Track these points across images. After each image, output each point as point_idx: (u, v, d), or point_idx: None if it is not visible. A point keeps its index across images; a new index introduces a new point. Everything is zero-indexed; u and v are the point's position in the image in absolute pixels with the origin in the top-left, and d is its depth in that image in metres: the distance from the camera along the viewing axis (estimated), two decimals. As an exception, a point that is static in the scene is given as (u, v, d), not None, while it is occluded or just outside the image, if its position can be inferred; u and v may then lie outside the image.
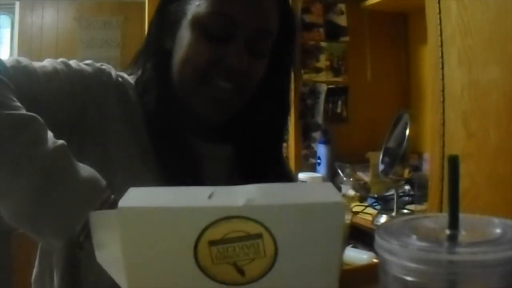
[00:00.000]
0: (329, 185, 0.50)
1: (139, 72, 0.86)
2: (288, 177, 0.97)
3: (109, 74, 0.82)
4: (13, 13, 3.34)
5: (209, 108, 0.81)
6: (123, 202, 0.46)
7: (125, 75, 0.85)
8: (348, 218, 0.48)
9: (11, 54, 3.34)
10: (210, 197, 0.46)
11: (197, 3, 0.79)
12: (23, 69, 0.71)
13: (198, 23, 0.78)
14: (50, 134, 0.60)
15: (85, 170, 0.59)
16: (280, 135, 0.94)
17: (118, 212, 0.45)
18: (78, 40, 3.41)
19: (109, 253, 0.48)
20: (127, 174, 0.76)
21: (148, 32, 0.86)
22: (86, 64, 0.80)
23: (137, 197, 0.47)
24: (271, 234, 0.44)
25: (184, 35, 0.80)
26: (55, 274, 0.76)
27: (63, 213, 0.55)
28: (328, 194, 0.47)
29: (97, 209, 0.53)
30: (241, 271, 0.44)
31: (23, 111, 0.60)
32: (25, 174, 0.55)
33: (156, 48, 0.84)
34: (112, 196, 0.57)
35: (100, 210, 0.53)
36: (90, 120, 0.76)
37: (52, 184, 0.55)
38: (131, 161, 0.78)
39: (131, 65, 0.87)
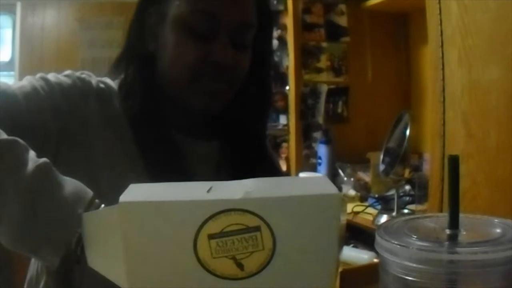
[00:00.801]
0: (325, 178, 0.51)
1: (122, 76, 0.86)
2: (277, 171, 0.97)
3: (89, 82, 0.82)
4: (15, 14, 3.34)
5: (202, 102, 0.82)
6: (124, 197, 0.46)
7: (107, 80, 0.86)
8: (344, 218, 0.48)
9: (12, 55, 3.34)
10: (208, 191, 0.46)
11: (177, 3, 0.79)
12: (1, 94, 0.72)
13: (180, 23, 0.79)
14: (31, 154, 0.60)
15: (71, 183, 0.59)
16: (264, 129, 0.95)
17: (118, 206, 0.45)
18: (79, 41, 3.41)
19: (105, 252, 0.49)
20: (114, 180, 0.76)
21: (127, 36, 0.86)
22: (65, 76, 0.81)
23: (137, 192, 0.48)
24: (269, 227, 0.45)
25: (168, 37, 0.80)
26: (42, 280, 0.77)
27: (55, 228, 0.55)
28: (324, 186, 0.48)
29: None
30: (240, 265, 0.45)
31: (3, 136, 0.61)
32: (11, 200, 0.55)
33: (138, 51, 0.84)
34: (102, 205, 0.58)
35: None
36: (74, 130, 0.77)
37: (39, 203, 0.55)
38: (116, 166, 0.79)
39: (111, 70, 0.87)
